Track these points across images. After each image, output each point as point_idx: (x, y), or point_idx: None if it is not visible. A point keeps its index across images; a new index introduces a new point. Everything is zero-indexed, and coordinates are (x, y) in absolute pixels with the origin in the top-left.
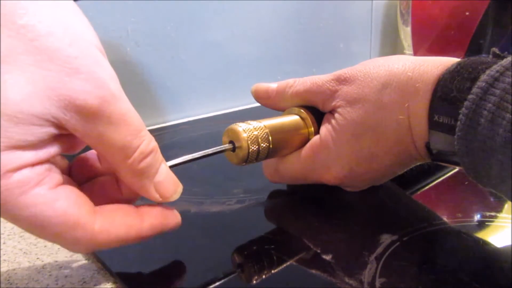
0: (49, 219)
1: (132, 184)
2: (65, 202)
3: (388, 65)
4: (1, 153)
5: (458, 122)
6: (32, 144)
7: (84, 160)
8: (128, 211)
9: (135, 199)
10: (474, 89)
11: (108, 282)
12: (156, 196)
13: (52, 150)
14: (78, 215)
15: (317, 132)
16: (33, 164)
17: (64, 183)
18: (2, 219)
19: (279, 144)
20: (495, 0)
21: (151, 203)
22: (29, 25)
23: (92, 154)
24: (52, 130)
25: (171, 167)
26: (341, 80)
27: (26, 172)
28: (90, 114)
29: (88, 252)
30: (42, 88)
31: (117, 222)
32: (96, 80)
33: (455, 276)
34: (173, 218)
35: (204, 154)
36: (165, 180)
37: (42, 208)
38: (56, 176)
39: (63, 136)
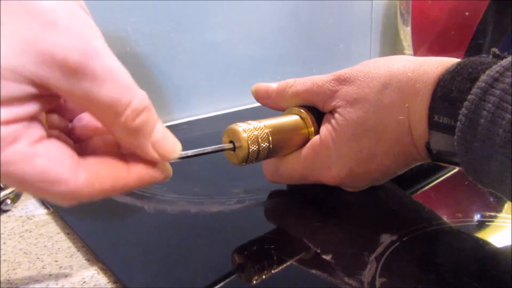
0: (30, 176)
1: (129, 144)
2: (44, 159)
3: (388, 66)
4: None
5: (458, 123)
6: (5, 100)
7: (83, 120)
8: (114, 162)
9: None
10: (474, 90)
11: (108, 282)
12: (155, 156)
13: (30, 109)
14: (58, 171)
15: (317, 132)
16: (8, 122)
17: (46, 138)
18: (1, 219)
19: (279, 144)
20: (495, 0)
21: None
22: None
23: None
24: (30, 89)
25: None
26: (341, 80)
27: (2, 129)
28: (72, 70)
29: (76, 204)
30: (17, 41)
31: (102, 175)
32: (76, 34)
33: (455, 276)
34: (164, 169)
35: (204, 151)
36: (163, 138)
37: (20, 166)
38: (36, 131)
39: (44, 96)
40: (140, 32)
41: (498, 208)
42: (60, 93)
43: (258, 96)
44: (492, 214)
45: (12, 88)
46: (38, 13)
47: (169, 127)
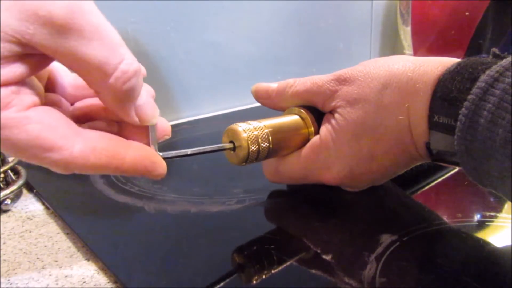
0: (23, 142)
1: (113, 106)
2: (38, 125)
3: (388, 66)
4: None
5: (458, 123)
6: None
7: (85, 103)
8: (114, 141)
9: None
10: (474, 90)
11: (108, 282)
12: (136, 119)
13: (19, 70)
14: (53, 138)
15: (317, 132)
16: None
17: (40, 104)
18: (1, 219)
19: (279, 144)
20: (495, 0)
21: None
22: None
23: (94, 98)
24: (14, 47)
25: (168, 158)
26: (341, 80)
27: None
28: (57, 27)
29: (70, 173)
30: None
31: (98, 149)
32: None
33: (455, 276)
34: (159, 165)
35: (203, 150)
36: (145, 103)
37: (13, 131)
38: (27, 97)
39: (31, 56)
40: (140, 32)
41: (498, 208)
42: (46, 51)
43: (258, 96)
44: (492, 214)
45: None
46: None
47: None
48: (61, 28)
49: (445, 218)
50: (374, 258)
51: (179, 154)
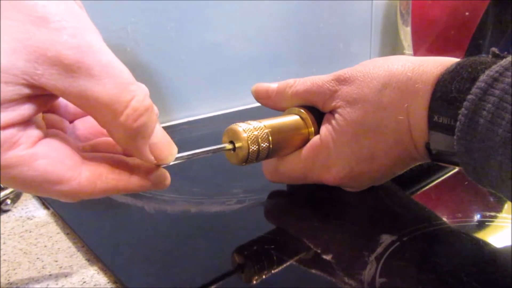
0: (32, 178)
1: (126, 145)
2: (44, 160)
3: (387, 66)
4: None
5: (458, 123)
6: (1, 104)
7: (85, 122)
8: (117, 163)
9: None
10: (473, 90)
11: (108, 282)
12: (151, 158)
13: (25, 112)
14: (60, 171)
15: (317, 132)
16: (5, 127)
17: (45, 137)
18: (1, 219)
19: (279, 144)
20: (495, 0)
21: None
22: None
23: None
24: (23, 89)
25: (170, 164)
26: (341, 80)
27: None
28: (65, 67)
29: (74, 201)
30: (6, 40)
31: (104, 175)
32: (69, 29)
33: (455, 276)
34: (163, 178)
35: (204, 151)
36: (161, 141)
37: (22, 169)
38: (33, 132)
39: (39, 96)
40: (140, 32)
41: (498, 208)
42: (55, 92)
43: (258, 96)
44: (492, 214)
45: (5, 91)
46: (29, 9)
47: (169, 127)
48: (70, 68)
49: (445, 218)
50: (374, 258)
51: (180, 158)
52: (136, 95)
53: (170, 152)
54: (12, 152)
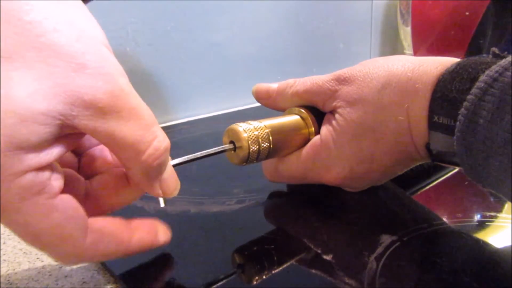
0: (43, 230)
1: (141, 181)
2: (61, 214)
3: (387, 66)
4: (4, 154)
5: (458, 123)
6: (35, 145)
7: (93, 155)
8: (119, 226)
9: (142, 193)
10: (473, 90)
11: (108, 282)
12: (159, 193)
13: (55, 152)
14: (71, 230)
15: (317, 132)
16: (36, 169)
17: (67, 187)
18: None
19: (279, 144)
20: (495, 0)
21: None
22: (36, 21)
23: (101, 149)
24: (56, 130)
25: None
26: (341, 80)
27: (29, 177)
28: (99, 109)
29: (72, 265)
30: (49, 85)
31: (106, 239)
32: (104, 75)
33: (455, 276)
34: (163, 235)
35: (206, 154)
36: (169, 177)
37: (38, 219)
38: (57, 183)
39: (67, 136)
40: (140, 32)
41: (498, 208)
42: (86, 131)
43: (258, 96)
44: (492, 214)
45: (42, 132)
46: (68, 56)
47: (169, 127)
48: (102, 111)
49: (445, 218)
50: (374, 258)
51: (182, 161)
52: (158, 135)
53: (176, 187)
54: (36, 197)
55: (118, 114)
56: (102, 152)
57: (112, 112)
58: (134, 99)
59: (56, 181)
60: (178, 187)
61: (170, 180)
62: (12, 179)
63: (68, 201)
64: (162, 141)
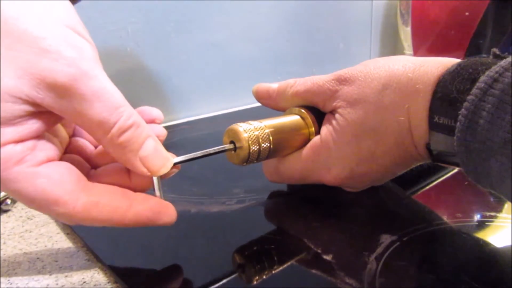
0: (31, 195)
1: (117, 157)
2: (45, 180)
3: (388, 66)
4: None
5: (458, 123)
6: (9, 120)
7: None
8: (118, 194)
9: (145, 187)
10: (473, 90)
11: (108, 282)
12: (143, 170)
13: (34, 127)
14: (58, 193)
15: (317, 132)
16: (15, 141)
17: (54, 159)
18: (1, 219)
19: (280, 144)
20: (495, 0)
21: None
22: None
23: None
24: (28, 108)
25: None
26: (342, 80)
27: (8, 148)
28: (62, 92)
29: (71, 224)
30: (13, 68)
31: (101, 204)
32: (65, 59)
33: (455, 276)
34: (166, 216)
35: (206, 153)
36: (153, 154)
37: (23, 185)
38: (41, 153)
39: (44, 113)
40: (140, 32)
41: (498, 208)
42: (54, 111)
43: (259, 96)
44: (492, 214)
45: (12, 109)
46: (32, 42)
47: (169, 127)
48: (65, 93)
49: (445, 218)
50: (374, 258)
51: (182, 160)
52: (123, 115)
53: (163, 164)
54: (18, 167)
55: (81, 97)
56: None
57: (75, 94)
58: (99, 82)
59: (41, 152)
60: (168, 164)
61: (154, 157)
62: None
63: (57, 167)
64: (127, 119)
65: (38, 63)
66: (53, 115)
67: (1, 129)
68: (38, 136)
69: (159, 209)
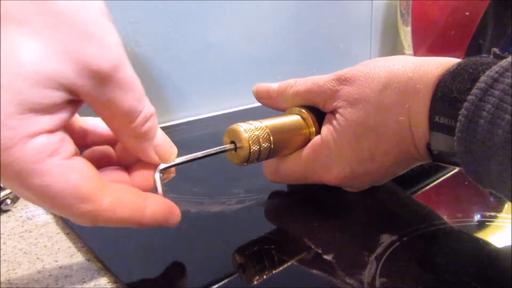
0: (61, 191)
1: (134, 148)
2: (78, 174)
3: (388, 66)
4: (17, 116)
5: (458, 123)
6: (47, 107)
7: (99, 151)
8: (137, 195)
9: (145, 188)
10: (474, 90)
11: (108, 282)
12: (156, 158)
13: (64, 115)
14: (89, 189)
15: (318, 132)
16: (49, 131)
17: (77, 154)
18: (1, 219)
19: (280, 144)
20: (495, 0)
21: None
22: None
23: (105, 148)
24: (64, 95)
25: (173, 166)
26: (342, 80)
27: (42, 139)
28: (102, 79)
29: (89, 225)
30: (58, 50)
31: (124, 203)
32: (108, 46)
33: (455, 276)
34: (174, 217)
35: (206, 153)
36: (163, 142)
37: (55, 179)
38: (70, 146)
39: (72, 102)
40: (140, 32)
41: (498, 208)
42: (87, 99)
43: (259, 96)
44: (492, 214)
45: (52, 95)
46: (75, 24)
47: (169, 127)
48: (105, 80)
49: (445, 218)
50: (374, 258)
51: (183, 161)
52: (146, 104)
53: (172, 152)
54: (52, 158)
55: (118, 85)
56: (103, 148)
57: (113, 82)
58: (131, 71)
59: (69, 144)
60: (174, 152)
61: (164, 145)
62: (26, 141)
63: (84, 162)
64: (149, 108)
65: (83, 48)
66: (79, 105)
67: (38, 117)
68: (65, 127)
69: (171, 208)
